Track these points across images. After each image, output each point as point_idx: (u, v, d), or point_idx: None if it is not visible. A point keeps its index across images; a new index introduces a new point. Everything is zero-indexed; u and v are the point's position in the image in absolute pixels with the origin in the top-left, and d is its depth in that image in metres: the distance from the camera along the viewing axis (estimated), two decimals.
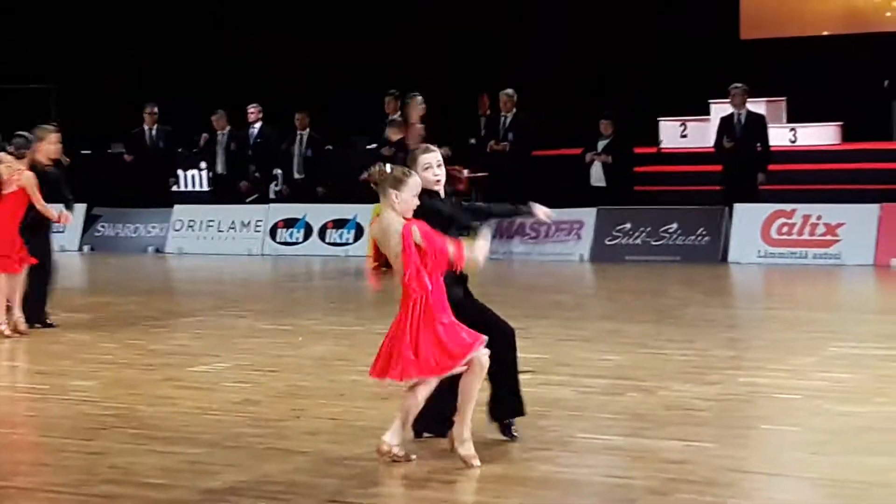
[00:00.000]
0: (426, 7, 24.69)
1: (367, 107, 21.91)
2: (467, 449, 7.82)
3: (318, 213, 21.40)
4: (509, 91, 20.88)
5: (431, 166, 8.11)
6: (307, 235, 21.42)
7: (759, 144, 19.35)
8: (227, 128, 22.83)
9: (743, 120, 19.31)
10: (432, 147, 8.30)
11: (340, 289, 14.81)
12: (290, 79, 24.23)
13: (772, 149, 20.49)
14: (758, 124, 19.32)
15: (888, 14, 23.07)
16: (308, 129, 22.12)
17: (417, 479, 7.64)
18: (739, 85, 19.25)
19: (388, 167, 7.80)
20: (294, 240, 21.54)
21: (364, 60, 24.59)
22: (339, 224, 21.05)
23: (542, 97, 21.63)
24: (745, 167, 18.90)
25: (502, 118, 20.97)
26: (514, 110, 20.86)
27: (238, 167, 22.78)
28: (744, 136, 19.06)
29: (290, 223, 21.56)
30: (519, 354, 8.37)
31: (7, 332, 13.24)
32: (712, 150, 19.93)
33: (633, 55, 23.52)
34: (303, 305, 15.26)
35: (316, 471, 7.89)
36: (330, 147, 22.59)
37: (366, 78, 23.67)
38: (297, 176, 20.68)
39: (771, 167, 19.96)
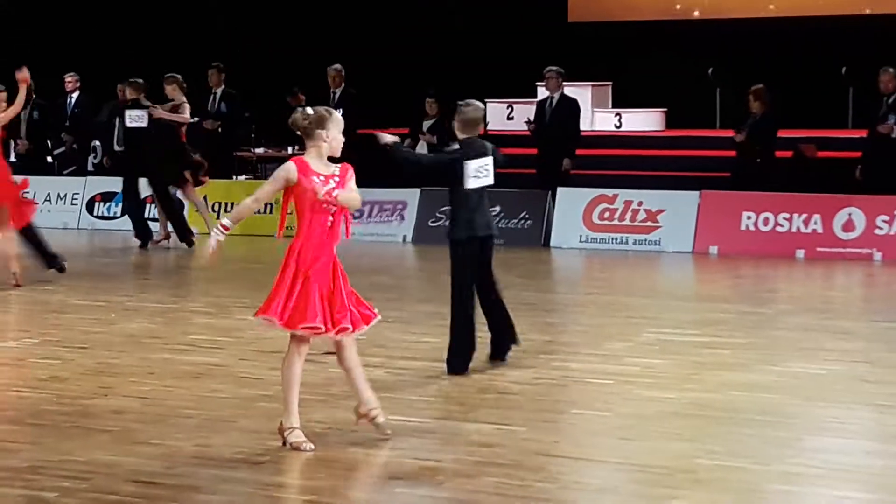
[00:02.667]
0: None
1: (190, 80, 21.58)
2: (297, 436, 7.73)
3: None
4: (337, 66, 20.68)
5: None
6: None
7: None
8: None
9: (555, 104, 19.26)
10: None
11: (157, 265, 14.55)
12: (111, 48, 23.77)
13: (597, 133, 20.63)
14: (569, 108, 19.27)
15: (712, 5, 23.40)
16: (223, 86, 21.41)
17: (223, 460, 7.53)
18: (554, 68, 19.23)
19: (309, 110, 7.83)
20: (112, 214, 21.15)
21: (188, 33, 24.25)
22: (108, 197, 20.94)
23: (368, 75, 21.51)
24: (554, 151, 18.88)
25: (332, 94, 20.76)
26: (343, 85, 20.67)
27: (44, 138, 22.18)
28: (554, 120, 19.03)
29: (108, 197, 21.15)
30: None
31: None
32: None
33: (459, 37, 23.53)
34: (117, 281, 14.97)
35: (120, 450, 7.74)
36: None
37: (193, 53, 23.34)
38: (116, 148, 20.20)
39: (595, 152, 20.10)
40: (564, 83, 19.60)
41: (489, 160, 10.09)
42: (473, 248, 10.08)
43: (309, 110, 7.88)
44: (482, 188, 10.07)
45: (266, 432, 8.07)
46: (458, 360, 9.94)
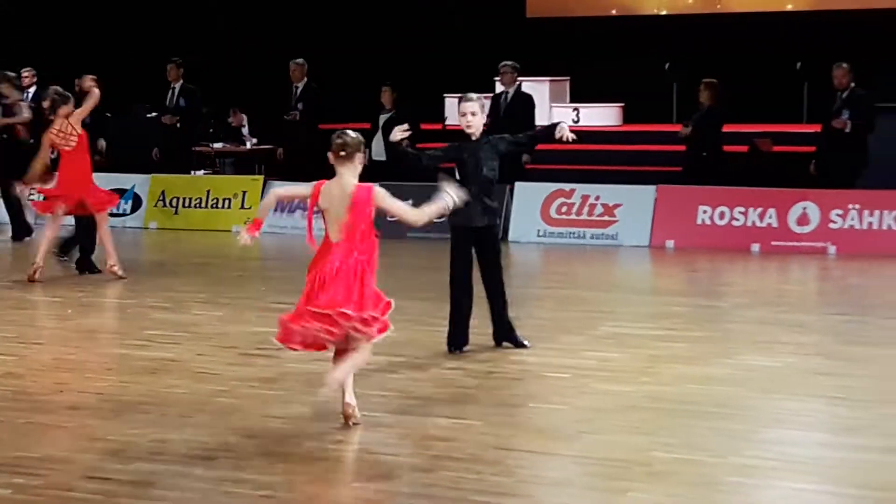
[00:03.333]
0: None
1: (148, 75, 21.53)
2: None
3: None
4: (299, 60, 20.64)
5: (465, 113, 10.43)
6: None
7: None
8: None
9: (510, 98, 19.30)
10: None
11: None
12: (71, 44, 23.66)
13: None
14: (524, 103, 19.30)
15: (670, 0, 23.51)
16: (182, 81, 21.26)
17: (179, 455, 7.52)
18: (509, 63, 19.26)
19: (353, 133, 8.20)
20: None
21: (146, 28, 24.18)
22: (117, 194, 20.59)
23: (327, 70, 21.49)
24: None
25: (294, 88, 20.72)
26: (305, 80, 20.64)
27: None
28: (509, 114, 19.05)
29: None
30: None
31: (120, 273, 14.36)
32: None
33: (418, 31, 23.55)
34: (74, 277, 14.90)
35: (75, 446, 7.72)
36: (108, 114, 22.10)
37: (150, 45, 23.28)
38: None
39: (553, 147, 20.06)
40: (522, 78, 19.62)
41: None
42: (468, 236, 10.41)
43: (350, 134, 8.18)
44: (482, 180, 10.49)
45: (223, 427, 8.07)
46: (452, 340, 10.51)
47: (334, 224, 8.12)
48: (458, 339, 10.54)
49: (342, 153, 8.11)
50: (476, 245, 10.51)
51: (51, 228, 14.50)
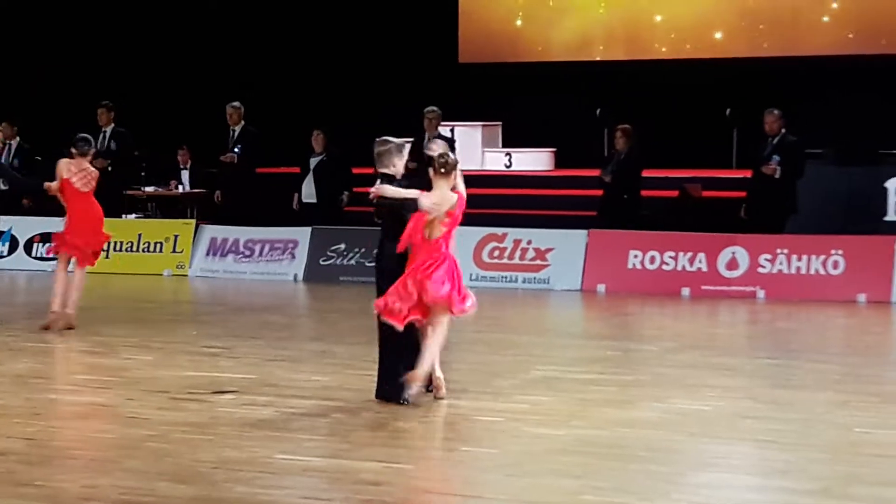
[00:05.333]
0: (141, 14, 24.37)
1: (80, 118, 21.43)
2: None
3: (25, 226, 20.81)
4: (235, 103, 20.65)
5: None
6: (12, 249, 20.79)
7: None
8: None
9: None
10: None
11: (44, 304, 14.43)
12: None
13: (487, 173, 20.72)
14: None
15: (601, 47, 23.71)
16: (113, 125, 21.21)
17: (109, 501, 7.47)
18: (433, 108, 19.38)
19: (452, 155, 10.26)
20: None
21: (77, 70, 24.10)
22: (48, 238, 20.47)
23: (261, 113, 21.48)
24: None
25: (231, 131, 20.71)
26: (243, 123, 20.63)
27: None
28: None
29: None
30: (224, 375, 8.34)
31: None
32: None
33: (352, 75, 23.62)
34: (2, 321, 14.80)
35: (3, 492, 7.64)
36: (39, 158, 21.99)
37: (81, 88, 23.19)
38: (1, 187, 19.95)
39: (485, 191, 20.19)
40: (455, 123, 19.70)
41: None
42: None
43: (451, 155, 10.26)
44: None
45: (154, 473, 8.03)
46: (390, 387, 10.17)
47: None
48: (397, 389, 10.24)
49: (443, 170, 10.08)
50: None
51: None
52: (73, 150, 14.35)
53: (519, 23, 24.09)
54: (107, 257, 19.96)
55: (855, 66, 21.26)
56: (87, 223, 14.35)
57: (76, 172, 14.27)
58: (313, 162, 20.25)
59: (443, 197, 10.08)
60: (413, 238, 10.03)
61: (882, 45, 21.51)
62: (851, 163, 18.41)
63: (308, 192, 20.23)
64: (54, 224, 20.20)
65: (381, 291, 10.14)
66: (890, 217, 17.79)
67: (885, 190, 17.84)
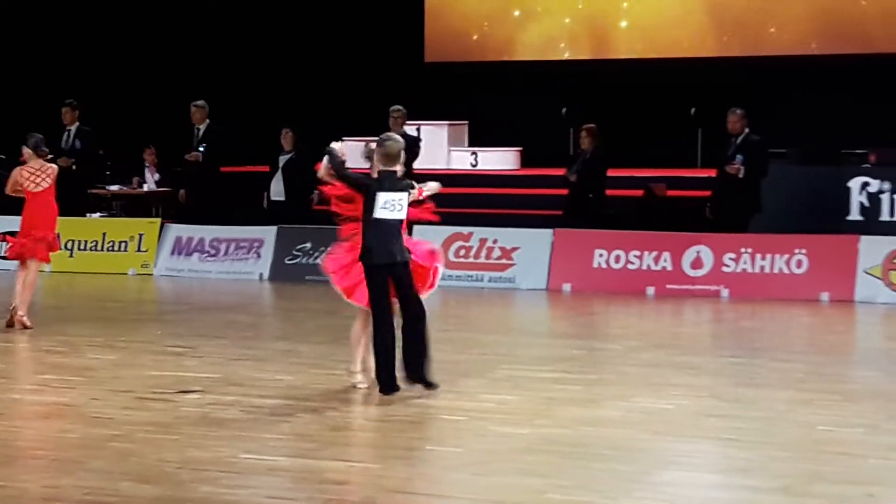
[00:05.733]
0: (106, 12, 24.28)
1: (44, 117, 21.34)
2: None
3: None
4: (199, 102, 20.58)
5: None
6: None
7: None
8: None
9: None
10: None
11: (4, 303, 14.40)
12: None
13: (453, 172, 20.72)
14: (408, 147, 19.33)
15: (561, 45, 23.75)
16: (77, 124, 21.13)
17: (72, 502, 7.45)
18: (398, 107, 19.38)
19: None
20: None
21: (42, 68, 24.00)
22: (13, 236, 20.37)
23: (228, 111, 21.44)
24: None
25: (195, 130, 20.64)
26: (208, 122, 20.58)
27: None
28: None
29: None
30: (189, 374, 8.33)
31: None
32: None
33: (319, 74, 23.60)
34: None
35: None
36: (3, 156, 21.90)
37: (45, 86, 23.10)
38: None
39: (451, 190, 20.15)
40: (421, 122, 19.69)
41: (403, 196, 10.54)
42: (383, 274, 10.33)
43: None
44: (397, 220, 10.47)
45: (117, 472, 8.01)
46: (387, 380, 10.34)
47: None
48: (394, 384, 10.43)
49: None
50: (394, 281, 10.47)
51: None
52: (30, 151, 14.33)
53: (485, 22, 24.11)
54: (71, 256, 19.99)
55: (818, 67, 21.38)
56: (40, 219, 14.28)
57: (33, 173, 14.20)
58: (282, 160, 20.24)
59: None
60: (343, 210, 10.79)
61: (845, 46, 21.62)
62: (814, 162, 18.50)
63: (277, 189, 20.22)
64: (17, 223, 20.19)
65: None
66: (853, 216, 17.87)
67: (848, 189, 17.92)
